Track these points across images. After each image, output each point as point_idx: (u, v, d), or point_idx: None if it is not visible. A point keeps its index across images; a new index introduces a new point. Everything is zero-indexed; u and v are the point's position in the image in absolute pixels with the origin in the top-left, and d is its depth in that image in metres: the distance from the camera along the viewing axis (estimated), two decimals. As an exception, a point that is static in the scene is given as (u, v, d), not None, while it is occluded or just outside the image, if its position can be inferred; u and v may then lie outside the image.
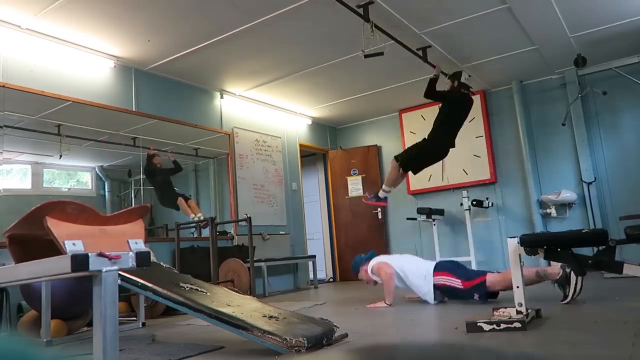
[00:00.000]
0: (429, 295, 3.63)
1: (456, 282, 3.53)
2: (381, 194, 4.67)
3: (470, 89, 4.82)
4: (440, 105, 4.81)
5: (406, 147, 4.83)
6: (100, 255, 1.42)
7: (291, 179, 6.93)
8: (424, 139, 4.56)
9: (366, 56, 4.40)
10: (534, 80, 6.41)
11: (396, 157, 4.50)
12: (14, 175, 4.09)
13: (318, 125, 7.66)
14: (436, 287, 3.61)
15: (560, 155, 6.20)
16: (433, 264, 3.74)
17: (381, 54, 4.33)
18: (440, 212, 6.66)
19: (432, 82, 4.56)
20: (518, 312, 2.45)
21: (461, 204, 6.30)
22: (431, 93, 4.57)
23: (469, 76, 5.45)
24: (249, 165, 6.20)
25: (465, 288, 3.48)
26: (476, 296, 3.45)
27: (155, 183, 5.24)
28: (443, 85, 4.82)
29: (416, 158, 4.54)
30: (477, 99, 6.67)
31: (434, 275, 3.62)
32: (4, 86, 3.95)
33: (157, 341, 2.81)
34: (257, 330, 2.17)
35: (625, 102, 5.86)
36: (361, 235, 7.40)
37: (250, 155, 6.26)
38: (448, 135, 4.58)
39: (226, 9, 4.02)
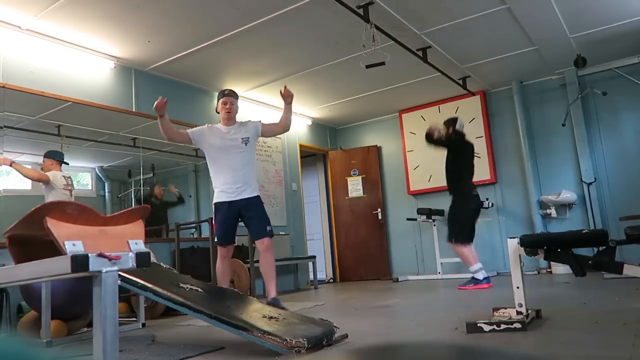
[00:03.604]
0: None
1: None
2: (479, 275, 4.78)
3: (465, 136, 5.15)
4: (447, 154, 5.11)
5: (451, 222, 4.96)
6: (100, 255, 1.42)
7: (291, 180, 6.93)
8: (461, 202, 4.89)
9: (367, 66, 4.40)
10: (534, 81, 6.41)
11: (458, 240, 4.84)
12: (14, 176, 4.09)
13: (318, 126, 7.66)
14: None
15: (560, 156, 6.20)
16: None
17: (382, 63, 4.33)
18: (441, 212, 6.65)
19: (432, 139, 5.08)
20: (518, 313, 2.45)
21: (461, 205, 6.30)
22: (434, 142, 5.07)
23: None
24: (249, 165, 6.19)
25: None
26: None
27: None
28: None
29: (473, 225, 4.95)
30: (477, 100, 6.69)
31: None
32: (4, 86, 3.95)
33: (157, 342, 2.80)
34: (257, 330, 2.17)
35: (625, 103, 5.86)
36: (361, 236, 7.40)
37: (250, 156, 6.26)
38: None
39: (226, 9, 4.03)
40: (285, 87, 3.74)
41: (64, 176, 4.06)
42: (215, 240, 3.78)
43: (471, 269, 4.82)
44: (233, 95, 3.83)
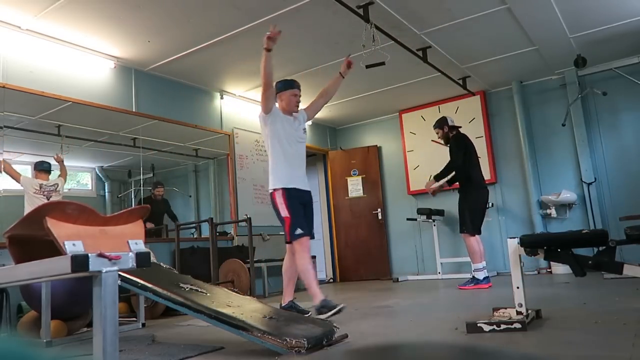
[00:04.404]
0: None
1: None
2: (479, 274, 4.73)
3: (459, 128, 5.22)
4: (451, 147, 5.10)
5: (462, 213, 4.93)
6: (100, 255, 1.42)
7: (291, 180, 6.92)
8: (469, 192, 4.89)
9: (367, 66, 4.39)
10: (534, 81, 6.41)
11: (466, 230, 4.83)
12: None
13: (318, 126, 7.66)
14: None
15: (560, 156, 6.20)
16: None
17: (382, 64, 4.32)
18: (441, 212, 6.66)
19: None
20: (518, 313, 2.45)
21: (461, 205, 6.31)
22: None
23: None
24: (249, 165, 6.20)
25: None
26: None
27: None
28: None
29: (482, 216, 4.95)
30: (477, 100, 6.69)
31: None
32: (4, 86, 3.95)
33: (157, 342, 2.80)
34: (257, 330, 2.17)
35: (625, 103, 5.86)
36: (361, 236, 7.40)
37: (250, 156, 6.26)
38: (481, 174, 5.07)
39: (226, 9, 4.03)
40: (349, 56, 3.62)
41: (40, 184, 4.11)
42: (298, 231, 3.31)
43: (474, 266, 4.81)
44: (300, 87, 3.65)
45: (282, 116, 3.50)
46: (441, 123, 5.19)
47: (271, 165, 3.47)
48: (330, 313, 3.05)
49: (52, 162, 4.30)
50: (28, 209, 3.94)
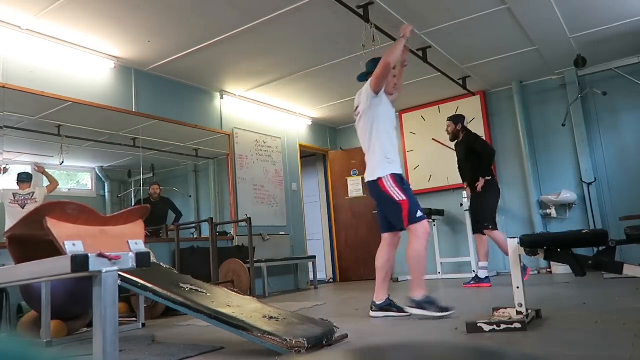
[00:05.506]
0: None
1: None
2: (481, 273, 4.79)
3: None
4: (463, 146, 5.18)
5: (483, 210, 4.93)
6: (100, 255, 1.42)
7: (291, 180, 6.93)
8: (484, 188, 4.90)
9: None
10: (534, 81, 6.41)
11: (488, 226, 4.84)
12: (14, 176, 4.09)
13: (318, 126, 7.66)
14: None
15: (560, 156, 6.20)
16: None
17: None
18: (441, 212, 6.66)
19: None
20: (518, 313, 2.45)
21: (461, 205, 6.30)
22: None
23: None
24: (249, 165, 6.20)
25: None
26: None
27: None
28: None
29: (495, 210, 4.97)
30: (477, 100, 6.69)
31: None
32: (4, 86, 3.95)
33: (157, 342, 2.81)
34: (257, 330, 2.17)
35: (625, 103, 5.86)
36: (361, 236, 7.40)
37: (250, 156, 6.26)
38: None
39: (226, 9, 4.03)
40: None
41: (14, 193, 4.10)
42: (419, 214, 3.12)
43: (481, 264, 4.86)
44: None
45: (386, 98, 3.30)
46: (457, 119, 5.24)
47: (379, 149, 3.19)
48: (434, 314, 2.91)
49: (39, 171, 4.31)
50: (7, 219, 3.96)
